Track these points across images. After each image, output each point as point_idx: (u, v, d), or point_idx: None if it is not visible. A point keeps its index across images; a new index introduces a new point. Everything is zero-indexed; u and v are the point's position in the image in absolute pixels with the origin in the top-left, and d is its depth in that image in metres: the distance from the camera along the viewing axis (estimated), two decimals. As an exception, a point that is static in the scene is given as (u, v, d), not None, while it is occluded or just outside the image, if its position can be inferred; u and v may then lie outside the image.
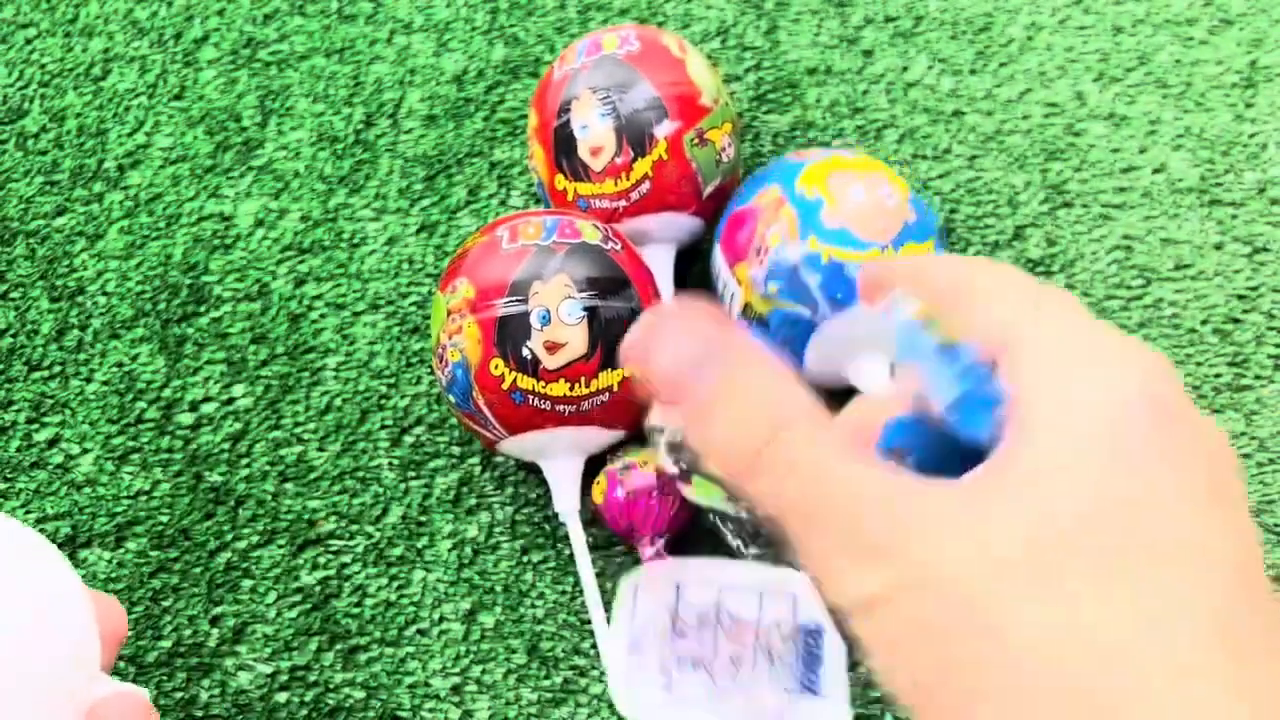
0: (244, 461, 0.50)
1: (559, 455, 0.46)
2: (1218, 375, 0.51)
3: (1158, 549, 0.20)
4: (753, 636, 0.43)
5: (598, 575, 0.47)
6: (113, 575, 0.48)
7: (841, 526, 0.21)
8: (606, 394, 0.44)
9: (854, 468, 0.21)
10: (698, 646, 0.42)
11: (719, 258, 0.48)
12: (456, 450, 0.50)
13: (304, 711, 0.45)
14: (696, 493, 0.44)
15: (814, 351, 0.46)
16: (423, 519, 0.49)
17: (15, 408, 0.52)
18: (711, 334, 0.23)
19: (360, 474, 0.50)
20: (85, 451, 0.51)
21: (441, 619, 0.47)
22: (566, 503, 0.46)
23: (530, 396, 0.43)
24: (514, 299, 0.43)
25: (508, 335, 0.43)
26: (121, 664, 0.46)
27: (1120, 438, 0.20)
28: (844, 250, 0.44)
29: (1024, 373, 0.22)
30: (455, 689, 0.45)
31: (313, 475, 0.50)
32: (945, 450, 0.24)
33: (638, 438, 0.48)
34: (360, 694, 0.45)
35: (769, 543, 0.45)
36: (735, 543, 0.45)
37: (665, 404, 0.23)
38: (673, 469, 0.44)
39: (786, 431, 0.22)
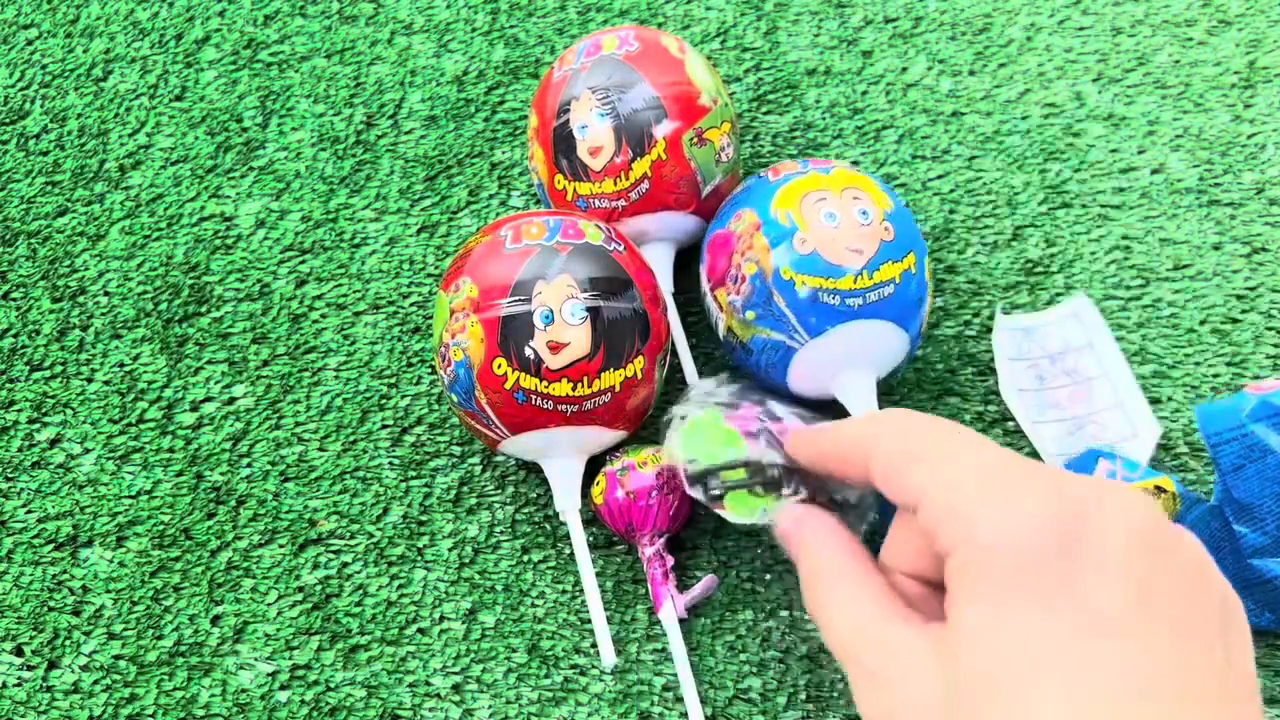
0: (245, 461, 0.50)
1: (560, 455, 0.46)
2: (1215, 375, 0.51)
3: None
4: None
5: (598, 575, 0.47)
6: (114, 575, 0.48)
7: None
8: (609, 394, 0.44)
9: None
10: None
11: (702, 279, 0.49)
12: (457, 450, 0.50)
13: (304, 711, 0.45)
14: (733, 512, 0.44)
15: (796, 372, 0.46)
16: (423, 518, 0.49)
17: (17, 408, 0.52)
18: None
19: (361, 474, 0.50)
20: (86, 451, 0.51)
21: (442, 618, 0.47)
22: (567, 502, 0.46)
23: (533, 396, 0.43)
24: (517, 299, 0.43)
25: (511, 335, 0.43)
26: (122, 663, 0.46)
27: (1028, 579, 0.27)
28: (817, 278, 0.44)
29: (946, 533, 0.29)
30: (456, 688, 0.45)
31: (313, 475, 0.50)
32: None
33: (638, 438, 0.48)
34: (361, 693, 0.45)
35: None
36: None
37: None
38: (702, 497, 0.44)
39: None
